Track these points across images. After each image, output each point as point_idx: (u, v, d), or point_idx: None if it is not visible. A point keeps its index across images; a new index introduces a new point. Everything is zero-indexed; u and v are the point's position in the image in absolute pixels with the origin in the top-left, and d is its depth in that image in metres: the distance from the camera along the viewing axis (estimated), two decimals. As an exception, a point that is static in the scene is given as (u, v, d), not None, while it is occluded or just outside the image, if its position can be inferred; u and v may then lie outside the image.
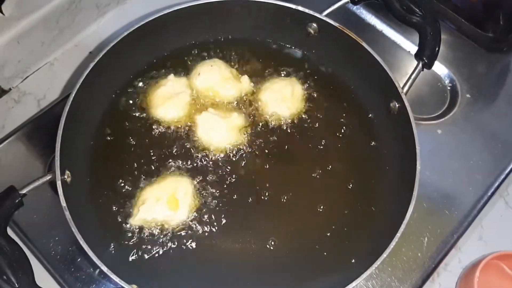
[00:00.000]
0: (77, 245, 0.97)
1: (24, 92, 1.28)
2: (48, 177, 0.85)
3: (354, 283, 0.82)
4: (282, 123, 1.07)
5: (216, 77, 1.06)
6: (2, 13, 1.17)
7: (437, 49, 1.00)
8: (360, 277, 0.83)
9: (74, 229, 0.80)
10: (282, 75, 1.11)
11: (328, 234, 0.96)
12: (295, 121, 1.07)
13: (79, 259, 0.98)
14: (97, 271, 0.98)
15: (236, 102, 1.08)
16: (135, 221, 0.94)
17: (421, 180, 0.90)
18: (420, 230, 1.06)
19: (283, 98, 1.07)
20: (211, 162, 1.02)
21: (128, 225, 0.94)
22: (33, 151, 1.12)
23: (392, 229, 0.87)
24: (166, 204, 0.94)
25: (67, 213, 0.82)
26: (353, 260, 0.93)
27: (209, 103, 1.07)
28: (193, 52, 1.13)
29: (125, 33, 0.99)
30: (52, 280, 0.98)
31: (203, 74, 1.07)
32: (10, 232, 0.81)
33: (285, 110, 1.07)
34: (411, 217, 0.88)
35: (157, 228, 0.95)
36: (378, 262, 0.84)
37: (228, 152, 1.03)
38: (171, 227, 0.95)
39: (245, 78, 1.08)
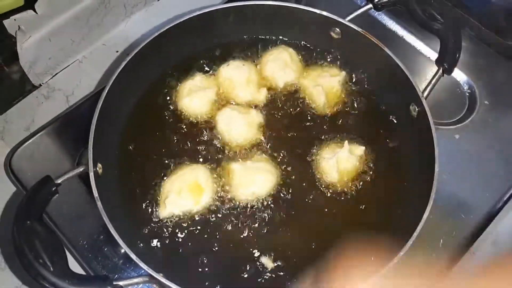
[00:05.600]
0: (104, 235, 1.03)
1: (53, 88, 1.32)
2: (81, 169, 0.89)
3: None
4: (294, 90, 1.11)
5: (242, 78, 1.09)
6: (35, 11, 1.20)
7: (457, 55, 1.01)
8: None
9: (106, 219, 0.83)
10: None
11: (347, 230, 0.98)
12: (318, 113, 1.09)
13: (105, 249, 1.02)
14: (121, 261, 1.02)
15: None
16: (163, 215, 0.96)
17: (439, 183, 0.92)
18: (436, 232, 1.08)
19: (285, 64, 1.10)
20: (229, 153, 1.04)
21: (155, 215, 0.97)
22: (63, 145, 1.16)
23: (409, 229, 0.88)
24: (189, 193, 0.96)
25: (99, 203, 0.84)
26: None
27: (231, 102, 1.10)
28: (217, 53, 1.15)
29: (156, 34, 1.02)
30: (79, 267, 1.02)
31: (230, 72, 1.10)
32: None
33: (291, 74, 1.10)
34: (428, 219, 0.89)
35: (184, 217, 0.97)
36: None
37: (245, 146, 1.05)
38: (197, 212, 0.98)
39: (263, 91, 1.10)
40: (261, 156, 1.03)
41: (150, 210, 0.97)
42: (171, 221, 0.97)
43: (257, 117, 1.07)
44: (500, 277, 0.99)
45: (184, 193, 0.97)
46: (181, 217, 0.97)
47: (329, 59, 1.15)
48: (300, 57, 1.15)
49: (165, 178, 1.00)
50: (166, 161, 1.02)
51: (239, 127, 1.04)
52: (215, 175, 1.01)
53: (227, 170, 1.01)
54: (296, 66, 1.12)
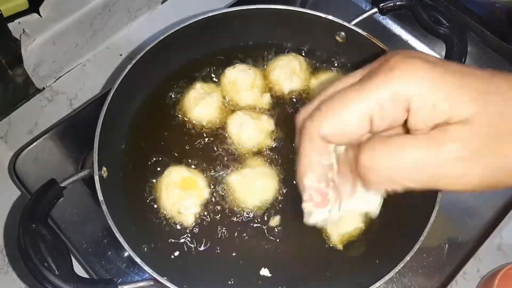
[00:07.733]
0: (108, 239, 1.02)
1: (57, 91, 1.32)
2: (86, 172, 0.89)
3: (377, 284, 0.84)
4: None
5: (246, 81, 1.09)
6: (39, 14, 1.20)
7: (463, 60, 1.01)
8: (382, 279, 0.84)
9: (111, 222, 0.82)
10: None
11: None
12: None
13: (109, 252, 1.01)
14: (124, 264, 1.01)
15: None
16: (189, 222, 0.96)
17: (444, 187, 0.92)
18: (441, 237, 1.08)
19: (293, 71, 1.10)
20: (238, 159, 1.04)
21: (158, 218, 0.97)
22: (66, 148, 1.16)
23: (415, 233, 0.88)
24: (188, 191, 0.96)
25: (104, 207, 0.84)
26: (377, 261, 0.94)
27: (239, 106, 1.09)
28: (221, 58, 1.15)
29: (161, 37, 1.02)
30: (83, 271, 1.02)
31: (235, 74, 1.10)
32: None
33: (298, 82, 1.10)
34: (433, 223, 0.88)
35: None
36: (400, 265, 0.85)
37: (254, 151, 1.05)
38: (205, 201, 0.98)
39: (267, 96, 1.10)
40: (262, 162, 1.02)
41: (153, 213, 0.97)
42: (174, 225, 0.96)
43: (267, 123, 1.06)
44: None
45: (185, 194, 0.96)
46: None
47: (334, 63, 1.15)
48: (307, 64, 1.14)
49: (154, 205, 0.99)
50: (171, 164, 1.01)
51: (250, 132, 1.04)
52: (222, 183, 1.01)
53: (230, 178, 1.00)
54: (304, 75, 1.12)
